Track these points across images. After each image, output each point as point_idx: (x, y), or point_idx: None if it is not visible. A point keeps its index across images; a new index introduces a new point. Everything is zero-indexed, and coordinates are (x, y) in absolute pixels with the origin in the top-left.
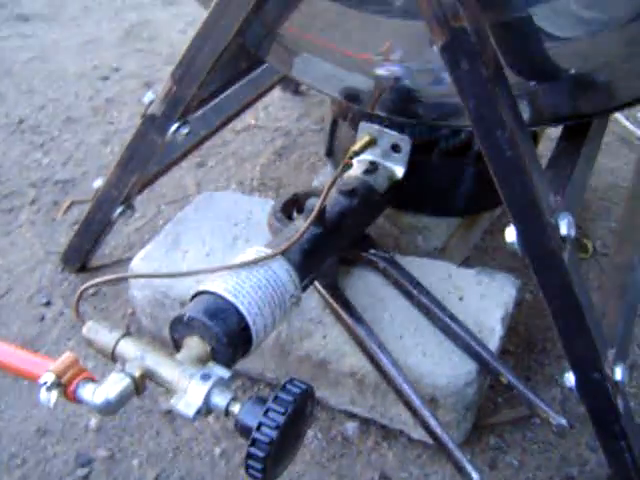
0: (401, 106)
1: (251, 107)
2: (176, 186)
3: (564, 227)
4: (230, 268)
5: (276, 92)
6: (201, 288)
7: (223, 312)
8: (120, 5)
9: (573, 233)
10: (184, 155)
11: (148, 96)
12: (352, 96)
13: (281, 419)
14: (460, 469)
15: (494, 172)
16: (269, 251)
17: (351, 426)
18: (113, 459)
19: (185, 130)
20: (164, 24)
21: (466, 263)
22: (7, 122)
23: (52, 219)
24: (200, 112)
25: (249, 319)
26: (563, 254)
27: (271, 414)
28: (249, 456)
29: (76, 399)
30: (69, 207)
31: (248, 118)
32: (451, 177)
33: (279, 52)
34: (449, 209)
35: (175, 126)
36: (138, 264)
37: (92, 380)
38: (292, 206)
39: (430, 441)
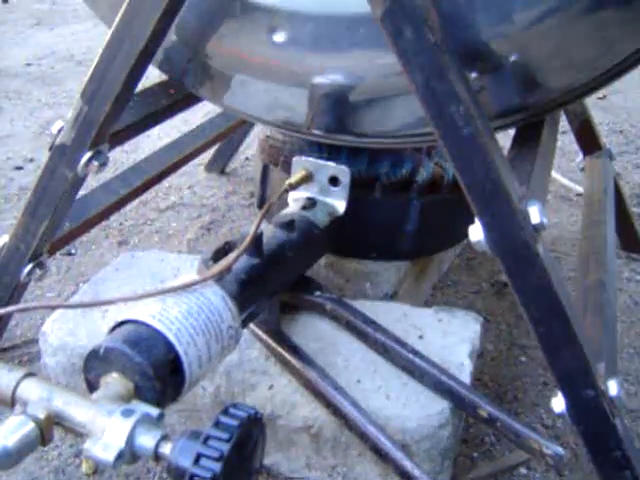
0: (342, 122)
1: (174, 173)
2: (95, 264)
3: (535, 214)
4: (154, 295)
5: (201, 173)
6: (120, 319)
7: (147, 340)
8: (36, 105)
9: (546, 221)
10: (102, 215)
11: (57, 124)
12: (287, 119)
13: (225, 448)
14: None
15: (452, 156)
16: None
17: None
18: None
19: (98, 162)
20: None
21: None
22: None
23: None
24: (119, 172)
25: (179, 348)
26: (537, 246)
27: (212, 442)
28: None
29: None
30: None
31: (172, 198)
32: (396, 214)
33: (206, 80)
34: (396, 252)
35: (87, 155)
36: (50, 327)
37: None
38: (224, 255)
39: None
